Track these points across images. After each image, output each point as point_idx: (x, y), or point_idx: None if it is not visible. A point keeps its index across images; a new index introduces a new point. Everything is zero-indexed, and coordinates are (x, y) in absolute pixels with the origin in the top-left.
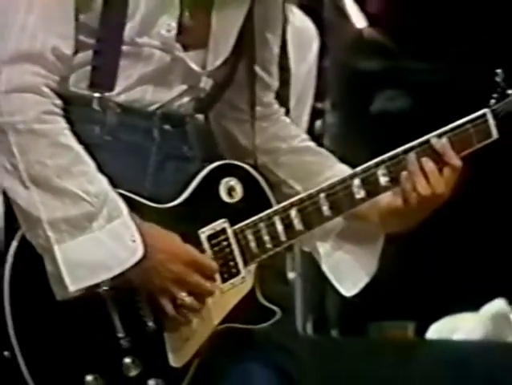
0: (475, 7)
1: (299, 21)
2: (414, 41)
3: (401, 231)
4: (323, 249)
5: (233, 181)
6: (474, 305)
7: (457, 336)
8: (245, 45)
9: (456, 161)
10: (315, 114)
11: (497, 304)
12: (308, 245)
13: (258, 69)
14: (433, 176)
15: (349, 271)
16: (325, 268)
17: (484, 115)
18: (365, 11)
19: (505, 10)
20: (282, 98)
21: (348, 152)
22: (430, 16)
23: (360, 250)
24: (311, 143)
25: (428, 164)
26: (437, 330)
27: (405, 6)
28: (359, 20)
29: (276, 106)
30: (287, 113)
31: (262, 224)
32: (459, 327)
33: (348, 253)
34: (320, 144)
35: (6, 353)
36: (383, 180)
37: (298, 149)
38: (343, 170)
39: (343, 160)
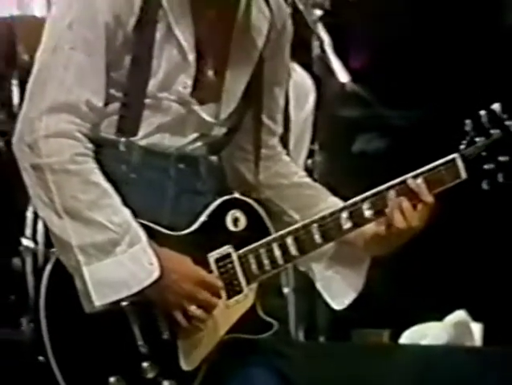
0: (445, 63)
1: (299, 76)
2: (389, 92)
3: (383, 255)
4: (316, 269)
5: (238, 213)
6: (439, 316)
7: (425, 341)
8: (254, 96)
9: (429, 199)
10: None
11: (459, 314)
12: (304, 266)
13: (264, 118)
14: (408, 211)
15: (339, 289)
16: (319, 286)
17: (454, 159)
18: (348, 67)
19: (473, 65)
20: (283, 140)
21: (334, 185)
22: (404, 70)
23: (349, 271)
24: (308, 179)
25: (405, 202)
26: (408, 337)
27: (382, 64)
28: (342, 75)
29: (279, 148)
30: (288, 153)
31: (262, 250)
32: (427, 334)
33: (338, 273)
34: (313, 179)
35: (40, 358)
36: (367, 213)
37: (297, 184)
38: (335, 202)
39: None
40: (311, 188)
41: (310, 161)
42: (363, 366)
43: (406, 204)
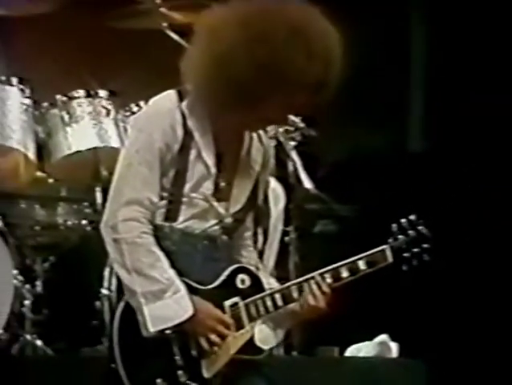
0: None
1: (274, 184)
2: (338, 195)
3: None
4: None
5: (244, 276)
6: (370, 337)
7: (361, 354)
8: (255, 198)
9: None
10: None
11: (382, 337)
12: None
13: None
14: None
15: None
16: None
17: (384, 249)
18: (312, 178)
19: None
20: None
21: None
22: (350, 181)
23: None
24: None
25: (317, 291)
26: (350, 352)
27: (335, 176)
28: (308, 183)
29: None
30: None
31: (259, 301)
32: (362, 349)
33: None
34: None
35: (112, 365)
36: (294, 295)
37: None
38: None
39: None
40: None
41: (287, 238)
42: (323, 372)
43: (317, 292)
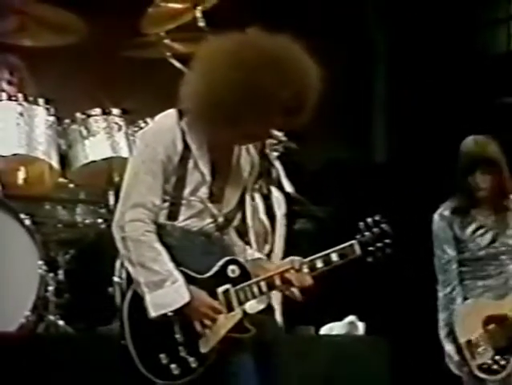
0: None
1: (276, 192)
2: (313, 198)
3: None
4: None
5: (234, 267)
6: (340, 318)
7: (333, 332)
8: (244, 202)
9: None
10: None
11: (351, 317)
12: None
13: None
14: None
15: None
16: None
17: (352, 244)
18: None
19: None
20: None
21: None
22: (322, 187)
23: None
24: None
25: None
26: (324, 330)
27: (311, 182)
28: (288, 188)
29: None
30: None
31: (247, 288)
32: (334, 328)
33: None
34: None
35: (123, 341)
36: (277, 282)
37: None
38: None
39: None
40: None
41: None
42: (302, 347)
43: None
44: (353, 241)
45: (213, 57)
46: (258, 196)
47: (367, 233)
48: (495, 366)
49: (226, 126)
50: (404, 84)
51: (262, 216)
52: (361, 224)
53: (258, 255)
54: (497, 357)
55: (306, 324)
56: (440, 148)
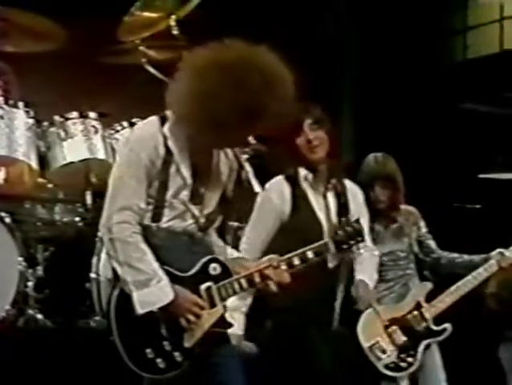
0: None
1: (349, 184)
2: None
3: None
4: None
5: (215, 265)
6: None
7: None
8: (225, 203)
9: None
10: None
11: None
12: None
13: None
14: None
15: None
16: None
17: (327, 242)
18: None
19: None
20: None
21: None
22: None
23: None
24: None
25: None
26: None
27: None
28: (257, 187)
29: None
30: None
31: (228, 284)
32: None
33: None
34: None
35: (111, 338)
36: (257, 279)
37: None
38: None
39: None
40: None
41: (240, 232)
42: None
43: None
44: (327, 240)
45: (198, 66)
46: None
47: (340, 232)
48: (402, 364)
49: (212, 134)
50: (370, 90)
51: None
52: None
53: (237, 254)
54: (402, 355)
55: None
56: (399, 150)
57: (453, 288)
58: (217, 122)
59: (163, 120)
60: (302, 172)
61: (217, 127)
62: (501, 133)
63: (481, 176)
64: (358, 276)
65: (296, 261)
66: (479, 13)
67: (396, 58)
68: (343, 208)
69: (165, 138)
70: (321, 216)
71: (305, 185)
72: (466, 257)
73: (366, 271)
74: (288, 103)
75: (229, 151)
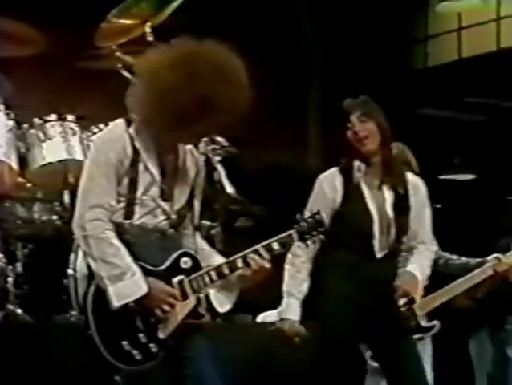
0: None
1: (412, 177)
2: (254, 196)
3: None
4: (213, 291)
5: (186, 258)
6: (275, 307)
7: (267, 320)
8: (193, 199)
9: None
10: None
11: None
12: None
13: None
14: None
15: (222, 301)
16: (212, 298)
17: (291, 234)
18: (233, 185)
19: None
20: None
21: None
22: (263, 186)
23: (229, 292)
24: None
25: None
26: (260, 318)
27: (254, 183)
28: (229, 189)
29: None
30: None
31: (199, 277)
32: (268, 316)
33: (223, 293)
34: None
35: (88, 332)
36: (239, 264)
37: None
38: (220, 258)
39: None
40: (211, 251)
41: (213, 231)
42: (240, 333)
43: (258, 261)
44: (291, 231)
45: (153, 65)
46: (386, 188)
47: (303, 223)
48: None
49: (174, 130)
50: (334, 99)
51: (389, 208)
52: (298, 215)
53: (222, 260)
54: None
55: (244, 312)
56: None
57: (447, 288)
58: (177, 118)
59: (129, 122)
60: (356, 163)
61: (178, 123)
62: (459, 136)
63: (441, 177)
64: (407, 268)
65: (263, 253)
66: (438, 23)
67: (360, 66)
68: (401, 201)
69: (132, 138)
70: (372, 208)
71: (359, 176)
72: (464, 259)
73: (417, 264)
74: (244, 91)
75: (194, 150)
